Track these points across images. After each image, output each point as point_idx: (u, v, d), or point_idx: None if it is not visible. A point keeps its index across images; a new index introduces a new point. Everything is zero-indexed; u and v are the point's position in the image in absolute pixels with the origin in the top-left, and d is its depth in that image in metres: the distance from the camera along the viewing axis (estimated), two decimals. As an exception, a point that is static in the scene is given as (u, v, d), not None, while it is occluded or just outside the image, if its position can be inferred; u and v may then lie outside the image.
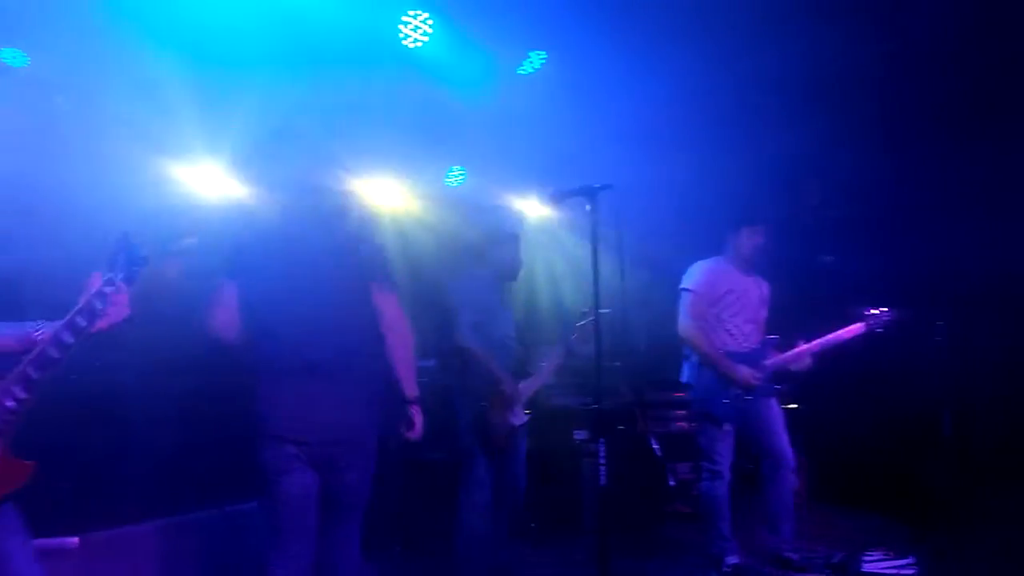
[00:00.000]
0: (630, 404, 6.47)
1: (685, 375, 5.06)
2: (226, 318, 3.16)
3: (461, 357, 4.34)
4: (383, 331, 3.28)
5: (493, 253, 4.52)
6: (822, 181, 6.90)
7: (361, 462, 3.20)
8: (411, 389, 3.42)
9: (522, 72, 5.42)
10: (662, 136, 5.71)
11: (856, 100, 5.69)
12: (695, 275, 4.98)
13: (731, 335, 4.91)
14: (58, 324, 2.11)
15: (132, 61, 4.25)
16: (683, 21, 4.85)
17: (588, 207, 3.47)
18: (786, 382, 5.07)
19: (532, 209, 6.88)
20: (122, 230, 2.30)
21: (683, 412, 6.62)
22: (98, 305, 2.15)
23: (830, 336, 4.94)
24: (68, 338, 2.09)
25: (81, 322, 2.12)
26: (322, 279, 3.15)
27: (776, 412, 4.93)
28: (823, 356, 4.98)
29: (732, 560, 4.78)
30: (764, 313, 5.07)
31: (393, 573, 5.21)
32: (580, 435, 6.04)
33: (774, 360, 4.93)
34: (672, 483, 6.33)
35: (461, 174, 6.73)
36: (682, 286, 4.97)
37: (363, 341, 3.24)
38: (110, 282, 2.19)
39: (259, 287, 3.13)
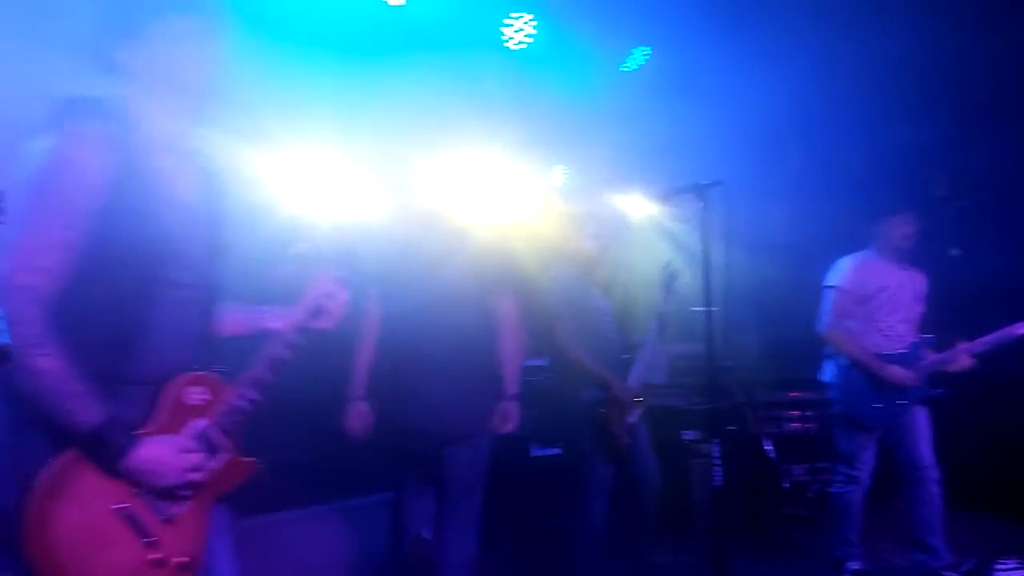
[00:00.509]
0: (741, 404, 6.33)
1: (828, 375, 4.78)
2: (372, 326, 3.62)
3: (567, 361, 4.28)
4: (499, 332, 3.71)
5: (566, 245, 4.43)
6: (949, 172, 6.55)
7: (473, 451, 3.52)
8: (514, 386, 3.78)
9: (625, 69, 5.37)
10: (772, 130, 5.55)
11: (983, 89, 5.39)
12: (842, 271, 4.68)
13: (885, 336, 4.59)
14: (291, 323, 2.13)
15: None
16: (797, 8, 4.68)
17: (699, 204, 3.40)
18: (943, 385, 4.63)
19: (636, 207, 6.80)
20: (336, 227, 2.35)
21: (797, 413, 6.43)
22: (326, 304, 2.18)
23: (997, 334, 4.49)
24: (296, 338, 2.12)
25: (310, 321, 2.16)
26: (450, 287, 3.53)
27: (924, 419, 4.59)
28: (984, 356, 4.56)
29: (854, 566, 4.59)
30: (920, 310, 4.72)
31: (502, 568, 5.25)
32: (689, 435, 5.95)
33: (930, 361, 4.55)
34: (786, 485, 6.15)
35: (564, 174, 6.74)
36: (827, 283, 4.69)
37: (481, 342, 3.62)
38: (334, 280, 2.22)
39: (397, 295, 3.56)
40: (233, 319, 2.24)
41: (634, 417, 4.33)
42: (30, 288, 1.75)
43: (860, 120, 5.64)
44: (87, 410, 1.75)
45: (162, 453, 1.86)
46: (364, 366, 3.66)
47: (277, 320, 2.18)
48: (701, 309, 5.09)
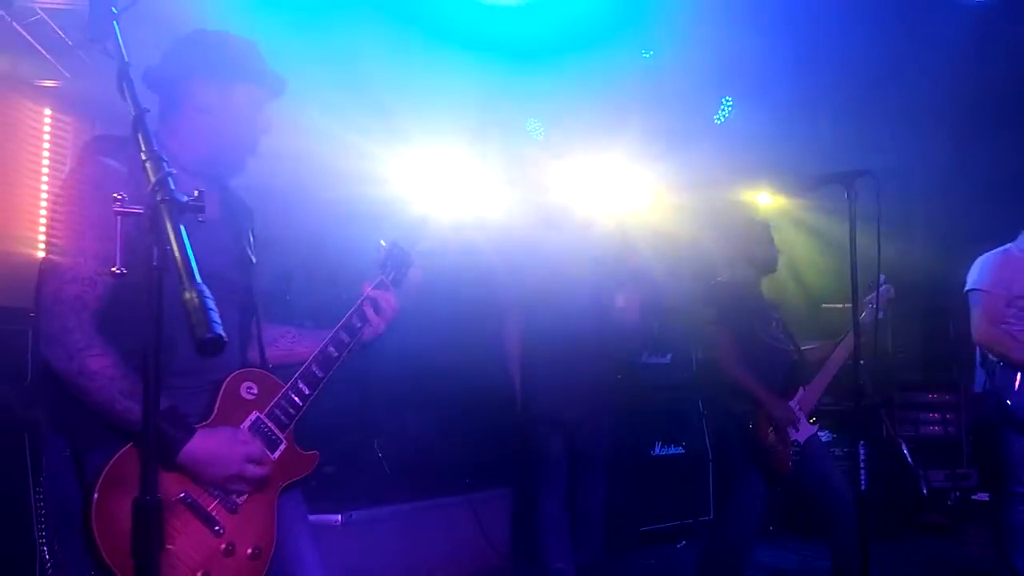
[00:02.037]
0: (876, 406, 6.05)
1: (981, 384, 4.36)
2: (515, 333, 4.30)
3: (721, 375, 4.09)
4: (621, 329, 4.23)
5: (749, 249, 4.22)
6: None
7: (601, 428, 4.27)
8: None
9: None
10: (921, 118, 5.23)
11: None
12: (983, 272, 4.29)
13: None
14: (336, 325, 2.24)
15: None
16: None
17: (845, 195, 3.24)
18: None
19: (767, 198, 6.65)
20: (392, 236, 2.42)
21: (936, 415, 6.10)
22: (369, 308, 2.27)
23: None
24: (345, 338, 2.22)
25: (356, 323, 2.26)
26: (585, 291, 4.11)
27: None
28: None
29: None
30: None
31: (624, 568, 5.16)
32: (824, 436, 5.72)
33: None
34: (924, 492, 5.84)
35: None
36: (969, 287, 4.32)
37: (608, 337, 4.22)
38: (381, 284, 2.32)
39: (538, 300, 4.15)
40: (298, 338, 2.34)
41: (801, 434, 4.06)
42: (74, 299, 1.84)
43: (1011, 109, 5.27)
44: (137, 407, 1.73)
45: (217, 445, 1.92)
46: (517, 375, 4.35)
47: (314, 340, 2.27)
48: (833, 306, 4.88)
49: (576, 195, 4.69)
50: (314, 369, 2.15)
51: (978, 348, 4.34)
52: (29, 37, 4.97)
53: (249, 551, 1.98)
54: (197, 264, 1.72)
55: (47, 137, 5.71)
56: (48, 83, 5.51)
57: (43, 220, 5.62)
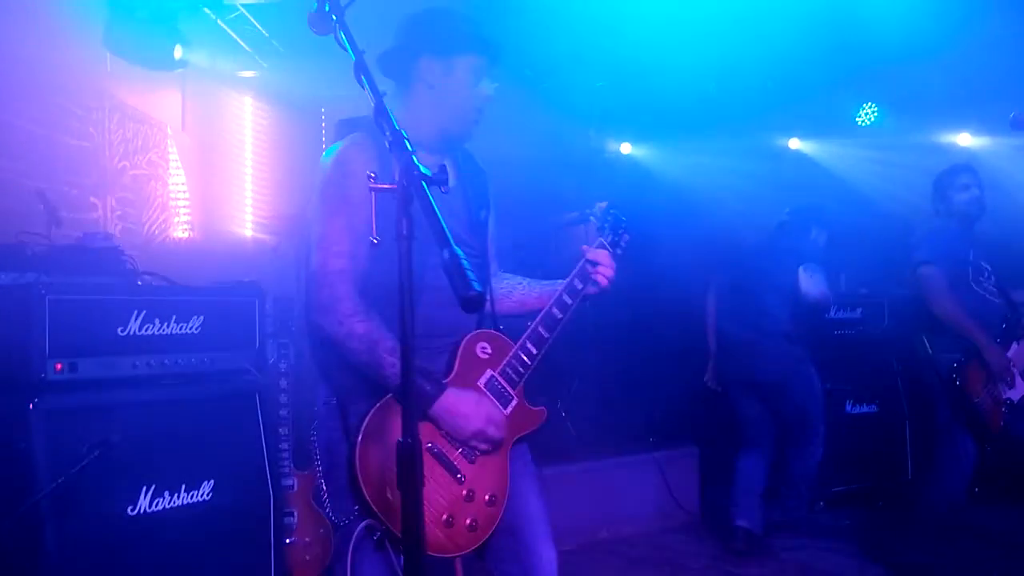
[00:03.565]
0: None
1: None
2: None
3: (931, 317, 3.94)
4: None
5: (952, 196, 4.06)
6: None
7: (790, 392, 4.55)
8: None
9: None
10: None
11: None
12: None
13: None
14: (559, 286, 2.34)
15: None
16: None
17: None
18: None
19: (964, 141, 6.20)
20: (609, 200, 2.48)
21: None
22: (589, 269, 2.34)
23: None
24: (568, 299, 2.31)
25: (578, 284, 2.33)
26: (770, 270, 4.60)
27: None
28: None
29: None
30: None
31: (812, 525, 5.01)
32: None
33: None
34: None
35: (874, 112, 6.27)
36: None
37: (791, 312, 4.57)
38: (600, 246, 2.39)
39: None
40: (529, 291, 2.45)
41: (1017, 392, 3.87)
42: (341, 271, 2.05)
43: None
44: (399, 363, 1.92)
45: (464, 405, 2.09)
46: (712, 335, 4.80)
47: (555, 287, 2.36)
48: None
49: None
50: (540, 330, 2.27)
51: None
52: (231, 32, 5.38)
53: (487, 497, 2.15)
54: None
55: (249, 124, 6.18)
56: (248, 74, 5.96)
57: (250, 202, 6.12)
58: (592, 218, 2.44)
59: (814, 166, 6.88)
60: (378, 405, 2.05)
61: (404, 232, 1.46)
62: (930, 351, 3.98)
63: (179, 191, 5.44)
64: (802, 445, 4.55)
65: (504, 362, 2.23)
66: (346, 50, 1.64)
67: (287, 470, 3.46)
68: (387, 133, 1.53)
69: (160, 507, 2.74)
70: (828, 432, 4.59)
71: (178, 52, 4.57)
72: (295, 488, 3.50)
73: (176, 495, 2.79)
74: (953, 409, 3.91)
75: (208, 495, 2.89)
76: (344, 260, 2.06)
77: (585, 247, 2.37)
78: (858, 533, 4.79)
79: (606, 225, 2.43)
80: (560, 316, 2.29)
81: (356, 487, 2.00)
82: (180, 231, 5.42)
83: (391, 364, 1.99)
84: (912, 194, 4.92)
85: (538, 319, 2.29)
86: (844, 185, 6.56)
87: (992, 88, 5.32)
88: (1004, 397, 3.85)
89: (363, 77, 1.62)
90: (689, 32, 4.90)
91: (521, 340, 2.26)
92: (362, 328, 2.03)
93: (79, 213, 4.39)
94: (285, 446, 3.48)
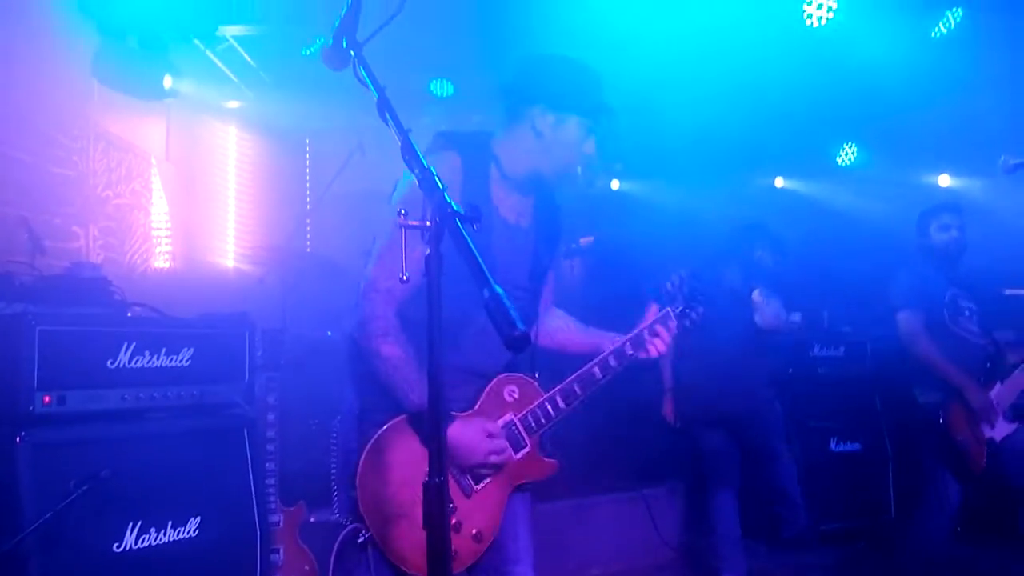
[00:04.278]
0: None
1: None
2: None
3: (909, 356, 4.01)
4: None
5: (932, 235, 4.13)
6: None
7: (758, 422, 4.39)
8: None
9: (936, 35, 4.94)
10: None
11: None
12: None
13: None
14: (610, 348, 2.29)
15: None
16: None
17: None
18: None
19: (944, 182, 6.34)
20: (688, 268, 2.39)
21: None
22: (647, 337, 2.29)
23: None
24: (613, 362, 2.28)
25: (628, 350, 2.29)
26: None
27: None
28: None
29: None
30: None
31: (799, 567, 5.02)
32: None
33: None
34: None
35: (854, 152, 6.39)
36: None
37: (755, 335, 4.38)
38: (666, 316, 2.31)
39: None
40: (574, 337, 2.46)
41: (998, 432, 3.90)
42: (388, 291, 2.10)
43: None
44: (417, 392, 2.05)
45: (470, 435, 2.12)
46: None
47: (609, 343, 2.32)
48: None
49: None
50: (575, 387, 2.25)
51: None
52: (219, 62, 5.38)
53: (474, 532, 2.17)
54: (494, 265, 1.91)
55: (233, 154, 6.16)
56: (233, 104, 5.95)
57: (233, 232, 6.07)
58: (669, 284, 2.33)
59: (799, 204, 6.98)
60: (393, 422, 2.12)
61: (434, 269, 1.45)
62: (917, 398, 3.99)
63: (162, 221, 5.39)
64: (771, 462, 4.47)
65: (527, 410, 2.24)
66: (367, 86, 1.64)
67: (274, 506, 3.39)
68: (415, 170, 1.52)
69: (146, 544, 2.66)
70: (812, 470, 4.58)
71: (167, 82, 4.55)
72: (281, 524, 3.43)
73: (163, 531, 2.72)
74: (937, 448, 3.94)
75: (195, 531, 2.82)
76: (391, 282, 2.07)
77: (651, 313, 2.31)
78: (841, 571, 4.77)
79: (679, 294, 2.32)
80: (600, 377, 2.27)
81: (352, 491, 2.09)
82: (162, 261, 5.35)
83: (404, 393, 2.07)
84: (894, 233, 5.00)
85: (576, 374, 2.26)
86: (827, 223, 6.65)
87: (972, 132, 5.43)
88: (986, 437, 3.88)
89: (387, 114, 1.61)
90: (678, 73, 4.98)
91: (552, 392, 2.26)
92: (388, 351, 2.09)
93: (61, 242, 4.32)
94: (272, 481, 3.41)
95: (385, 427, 2.11)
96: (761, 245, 4.55)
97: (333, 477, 2.26)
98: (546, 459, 2.29)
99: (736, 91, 5.10)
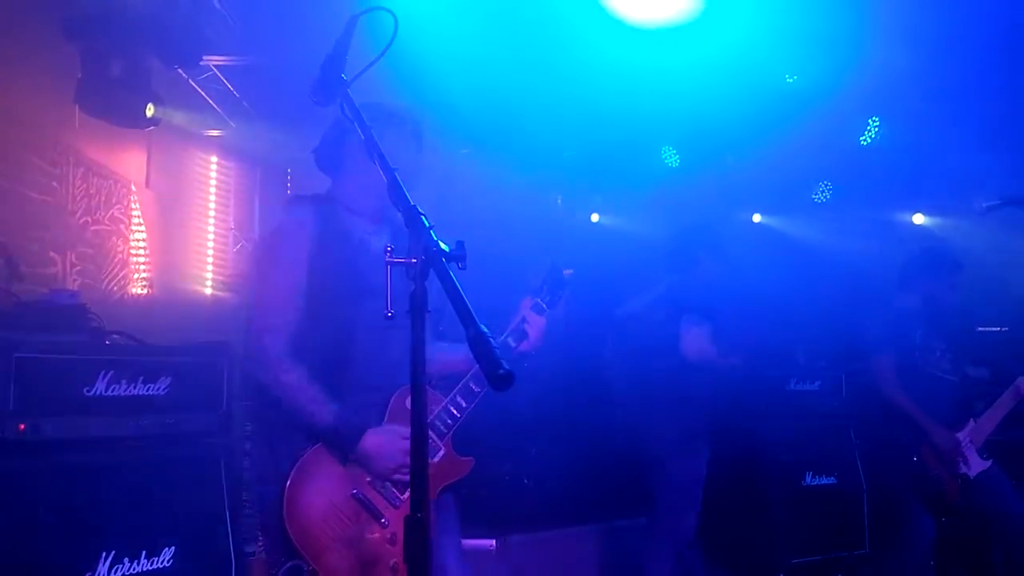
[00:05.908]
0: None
1: None
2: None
3: (882, 399, 4.06)
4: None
5: (937, 292, 4.12)
6: None
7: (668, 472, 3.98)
8: None
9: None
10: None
11: None
12: None
13: None
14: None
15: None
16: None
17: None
18: None
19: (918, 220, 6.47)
20: (551, 259, 2.55)
21: None
22: (525, 327, 2.45)
23: None
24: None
25: (511, 343, 2.45)
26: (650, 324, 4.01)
27: None
28: None
29: None
30: None
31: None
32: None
33: None
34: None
35: (829, 189, 6.50)
36: None
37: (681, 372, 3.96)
38: (537, 307, 2.49)
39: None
40: (453, 355, 2.52)
41: (972, 469, 3.95)
42: (273, 328, 2.26)
43: None
44: (322, 411, 2.21)
45: (384, 441, 2.24)
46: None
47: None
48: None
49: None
50: (471, 385, 2.39)
51: None
52: (202, 92, 5.40)
53: None
54: (367, 293, 2.20)
55: (213, 182, 6.16)
56: (214, 132, 5.97)
57: (211, 260, 6.05)
58: (539, 279, 2.51)
59: (776, 240, 7.07)
60: (311, 451, 2.23)
61: (417, 303, 1.48)
62: (891, 434, 4.06)
63: (139, 247, 5.36)
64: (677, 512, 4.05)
65: (433, 415, 2.35)
66: (354, 126, 1.66)
67: (249, 535, 3.36)
68: (400, 209, 1.55)
69: (120, 574, 2.63)
70: (786, 504, 4.56)
71: (150, 111, 4.56)
72: (256, 555, 3.39)
73: (136, 562, 2.69)
74: (911, 482, 3.97)
75: (168, 561, 2.79)
76: (275, 316, 2.28)
77: (524, 300, 2.48)
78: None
79: (545, 284, 2.51)
80: None
81: (281, 528, 2.15)
82: (140, 288, 5.32)
83: (311, 412, 2.22)
84: (868, 272, 5.08)
85: (469, 375, 2.39)
86: (804, 259, 6.73)
87: (944, 172, 5.56)
88: (960, 472, 3.92)
89: (375, 156, 1.63)
90: (656, 108, 5.06)
91: (452, 394, 2.39)
92: (286, 377, 2.24)
93: (37, 268, 4.29)
94: (248, 511, 3.37)
95: (303, 457, 2.22)
96: (706, 249, 3.99)
97: (256, 524, 2.33)
98: (462, 458, 2.41)
99: (715, 129, 5.20)
